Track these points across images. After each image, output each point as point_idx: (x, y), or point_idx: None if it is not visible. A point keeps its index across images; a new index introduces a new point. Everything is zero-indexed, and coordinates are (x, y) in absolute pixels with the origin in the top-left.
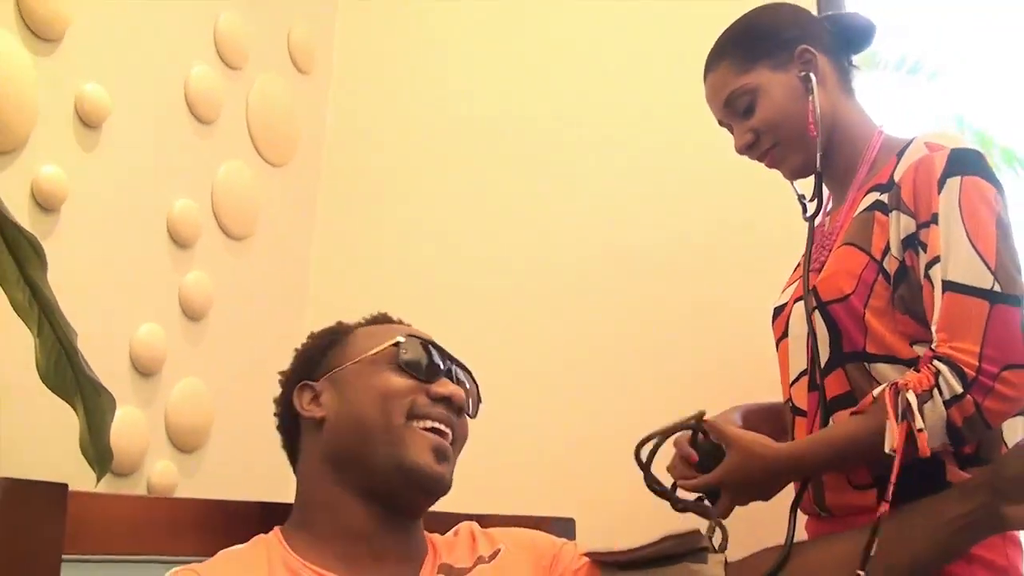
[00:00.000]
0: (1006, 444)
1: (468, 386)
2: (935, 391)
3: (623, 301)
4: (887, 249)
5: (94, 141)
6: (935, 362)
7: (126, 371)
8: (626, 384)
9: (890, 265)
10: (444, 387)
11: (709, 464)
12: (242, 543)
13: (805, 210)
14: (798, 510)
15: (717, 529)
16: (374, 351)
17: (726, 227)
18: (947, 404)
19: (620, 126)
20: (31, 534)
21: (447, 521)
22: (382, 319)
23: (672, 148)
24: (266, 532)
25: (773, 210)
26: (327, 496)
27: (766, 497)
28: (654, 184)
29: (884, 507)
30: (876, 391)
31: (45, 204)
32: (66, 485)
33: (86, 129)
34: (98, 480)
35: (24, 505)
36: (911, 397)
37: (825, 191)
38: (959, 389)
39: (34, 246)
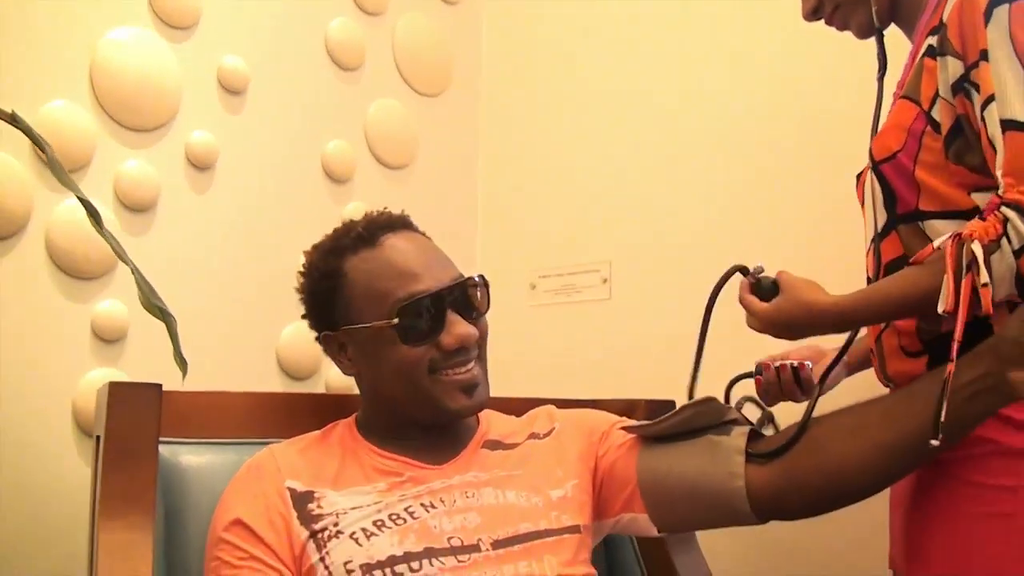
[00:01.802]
0: None
1: (479, 289)
2: (1004, 240)
3: (738, 187)
4: (936, 97)
5: (239, 105)
6: (1003, 209)
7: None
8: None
9: (941, 114)
10: (453, 336)
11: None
12: (318, 428)
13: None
14: (825, 382)
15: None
16: (375, 323)
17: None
18: (1017, 254)
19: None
20: (135, 422)
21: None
22: (371, 235)
23: None
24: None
25: None
26: (378, 413)
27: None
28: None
29: (950, 368)
30: (937, 241)
31: (199, 164)
32: (160, 384)
33: (230, 96)
34: (183, 379)
35: (127, 401)
36: (976, 248)
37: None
38: None
39: (95, 211)
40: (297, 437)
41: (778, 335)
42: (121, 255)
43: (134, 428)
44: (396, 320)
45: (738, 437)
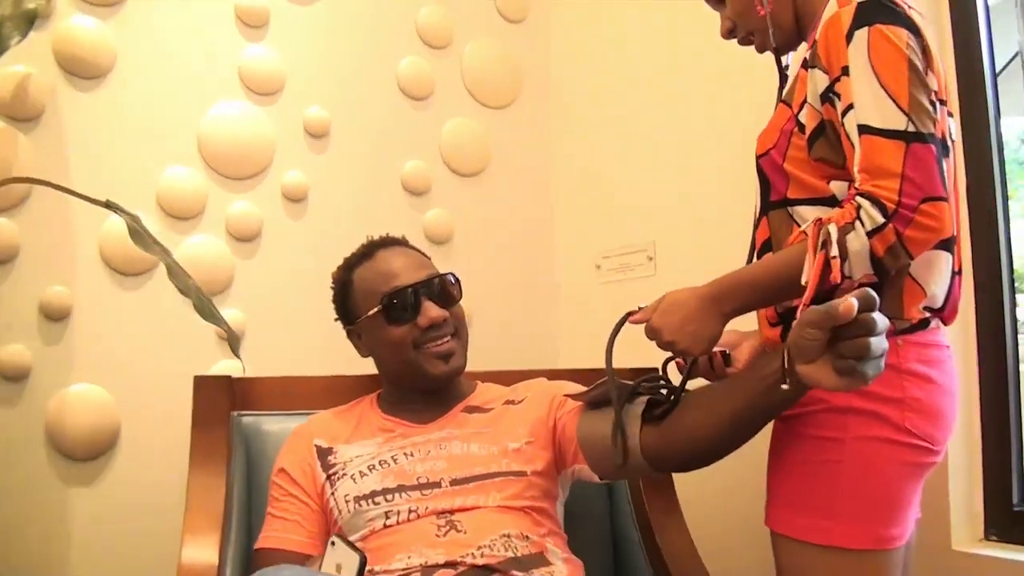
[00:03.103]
0: (916, 281)
1: (450, 284)
2: (857, 223)
3: None
4: (804, 102)
5: (324, 146)
6: (857, 198)
7: None
8: None
9: (807, 117)
10: (426, 317)
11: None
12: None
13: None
14: (697, 362)
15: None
16: (370, 313)
17: None
18: (869, 235)
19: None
20: (214, 402)
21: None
22: (369, 252)
23: None
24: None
25: None
26: (388, 387)
27: (703, 334)
28: None
29: (801, 308)
30: (803, 227)
31: (293, 198)
32: (229, 376)
33: (315, 140)
34: (243, 371)
35: (206, 387)
36: (832, 229)
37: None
38: (880, 220)
39: (175, 264)
40: (334, 408)
41: (671, 326)
42: (185, 291)
43: (211, 406)
44: (381, 307)
45: (638, 405)
